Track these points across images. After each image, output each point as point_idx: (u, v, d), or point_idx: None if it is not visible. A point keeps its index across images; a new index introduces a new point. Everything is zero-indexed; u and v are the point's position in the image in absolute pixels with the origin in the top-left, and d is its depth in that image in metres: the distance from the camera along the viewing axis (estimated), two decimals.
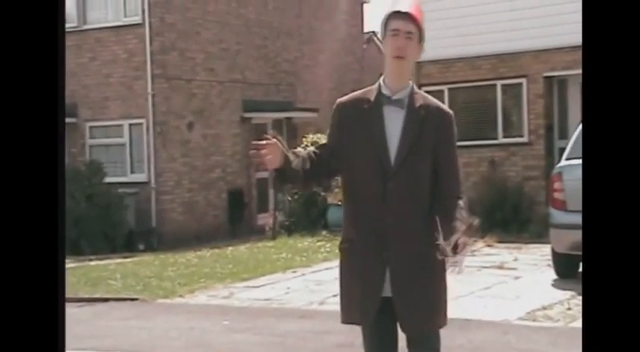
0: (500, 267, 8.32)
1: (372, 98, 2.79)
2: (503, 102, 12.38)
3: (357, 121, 2.76)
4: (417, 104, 2.77)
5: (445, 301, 2.82)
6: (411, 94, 2.79)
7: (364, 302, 2.77)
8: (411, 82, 2.83)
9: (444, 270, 2.74)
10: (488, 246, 10.05)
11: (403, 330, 2.77)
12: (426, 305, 2.73)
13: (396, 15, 2.75)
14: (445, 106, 2.88)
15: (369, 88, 2.87)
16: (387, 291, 2.74)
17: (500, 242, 10.23)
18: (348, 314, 2.88)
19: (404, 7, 2.76)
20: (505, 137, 12.30)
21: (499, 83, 12.30)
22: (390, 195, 2.70)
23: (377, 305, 2.74)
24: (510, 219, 11.26)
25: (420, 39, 2.79)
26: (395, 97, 2.76)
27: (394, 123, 2.74)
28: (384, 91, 2.78)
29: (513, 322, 5.88)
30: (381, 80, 2.83)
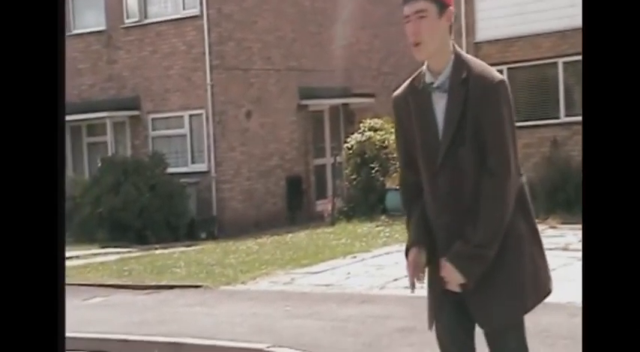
0: (565, 249, 8.14)
1: (420, 87, 2.59)
2: (565, 80, 12.06)
3: (411, 116, 2.59)
4: (458, 82, 2.50)
5: (521, 287, 2.57)
6: (453, 72, 2.52)
7: (431, 302, 2.70)
8: (452, 56, 2.54)
9: (518, 251, 2.54)
10: (552, 227, 9.83)
11: (480, 326, 2.62)
12: (499, 294, 2.54)
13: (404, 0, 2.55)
14: (493, 73, 2.51)
15: (418, 71, 2.66)
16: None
17: (563, 223, 10.00)
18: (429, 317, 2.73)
19: None
20: (567, 116, 11.99)
21: (560, 61, 11.98)
22: (439, 191, 2.54)
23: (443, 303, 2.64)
24: (574, 199, 10.97)
25: (441, 7, 2.49)
26: (437, 83, 2.54)
27: (440, 109, 2.54)
28: (427, 79, 2.57)
29: (580, 304, 5.74)
30: (425, 64, 2.60)
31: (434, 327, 2.70)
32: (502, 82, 2.50)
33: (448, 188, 2.51)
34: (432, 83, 2.56)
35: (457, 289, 2.53)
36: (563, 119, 12.01)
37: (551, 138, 11.95)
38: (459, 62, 2.54)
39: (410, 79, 2.68)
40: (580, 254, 7.87)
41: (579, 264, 7.26)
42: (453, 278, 2.51)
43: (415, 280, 2.63)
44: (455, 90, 2.51)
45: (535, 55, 12.14)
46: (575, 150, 11.78)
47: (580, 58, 12.00)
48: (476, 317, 2.58)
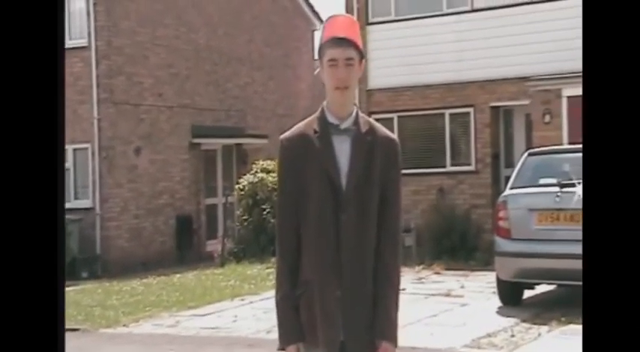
0: (448, 295, 8.36)
1: (318, 128, 2.62)
2: (452, 130, 12.58)
3: (307, 156, 2.59)
4: (364, 130, 2.62)
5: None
6: (356, 120, 2.64)
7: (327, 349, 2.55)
8: (355, 107, 2.68)
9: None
10: (436, 273, 10.11)
11: None
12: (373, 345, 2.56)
13: (333, 42, 2.59)
14: (391, 133, 2.72)
15: (312, 117, 2.70)
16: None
17: (447, 269, 10.30)
18: None
19: (339, 32, 2.59)
20: (453, 165, 12.47)
21: (447, 112, 12.51)
22: (343, 227, 2.56)
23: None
24: (458, 246, 11.37)
25: (361, 58, 2.61)
26: (343, 126, 2.61)
27: (343, 152, 2.59)
28: (331, 120, 2.63)
29: (459, 349, 5.89)
30: (324, 107, 2.66)
31: None
32: (399, 143, 2.71)
33: (353, 223, 2.56)
34: (338, 125, 2.63)
35: None
36: (449, 168, 12.48)
37: (438, 186, 12.37)
38: (360, 115, 2.68)
39: (303, 123, 2.70)
40: (461, 300, 8.13)
41: (460, 310, 7.49)
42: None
43: None
44: (362, 137, 2.62)
45: (424, 105, 12.62)
46: (459, 198, 12.24)
47: (465, 110, 12.48)
48: None
